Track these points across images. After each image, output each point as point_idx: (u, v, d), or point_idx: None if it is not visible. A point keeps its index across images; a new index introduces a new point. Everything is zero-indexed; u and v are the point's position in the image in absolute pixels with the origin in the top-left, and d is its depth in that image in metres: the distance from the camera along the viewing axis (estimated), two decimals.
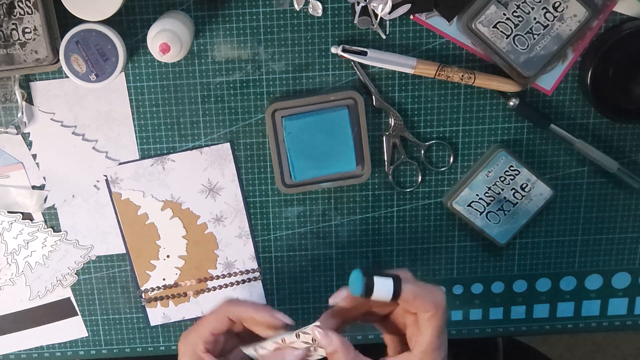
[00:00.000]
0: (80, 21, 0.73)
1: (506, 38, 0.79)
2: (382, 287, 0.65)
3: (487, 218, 0.87)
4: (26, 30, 0.73)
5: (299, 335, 0.68)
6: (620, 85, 0.82)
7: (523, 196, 0.86)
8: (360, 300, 0.68)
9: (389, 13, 0.79)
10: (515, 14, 0.79)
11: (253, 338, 0.73)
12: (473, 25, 0.79)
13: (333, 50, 0.81)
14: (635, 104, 0.83)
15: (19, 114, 0.81)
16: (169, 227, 0.87)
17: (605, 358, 1.69)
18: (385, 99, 0.83)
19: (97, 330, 0.92)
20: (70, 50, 0.74)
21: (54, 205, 0.86)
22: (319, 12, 0.80)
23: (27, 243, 0.87)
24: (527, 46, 0.80)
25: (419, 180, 0.87)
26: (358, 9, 0.79)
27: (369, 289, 0.65)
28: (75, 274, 0.89)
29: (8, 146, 0.83)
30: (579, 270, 0.92)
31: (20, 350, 0.92)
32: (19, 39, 0.74)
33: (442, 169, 0.87)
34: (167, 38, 0.72)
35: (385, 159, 0.86)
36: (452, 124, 0.85)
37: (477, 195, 0.86)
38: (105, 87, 0.80)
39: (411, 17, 0.81)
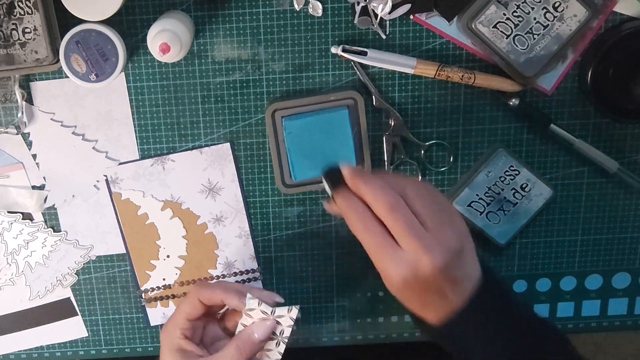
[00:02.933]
0: (80, 21, 0.73)
1: (506, 38, 0.79)
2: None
3: (487, 218, 0.87)
4: (26, 30, 0.73)
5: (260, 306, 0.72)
6: (620, 85, 0.82)
7: (523, 196, 0.86)
8: None
9: (389, 13, 0.79)
10: (515, 14, 0.79)
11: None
12: (473, 25, 0.79)
13: (333, 50, 0.81)
14: (635, 104, 0.83)
15: (19, 114, 0.81)
16: (169, 227, 0.87)
17: (605, 358, 1.69)
18: (385, 99, 0.83)
19: (97, 330, 0.91)
20: (70, 50, 0.74)
21: (54, 205, 0.86)
22: (319, 12, 0.80)
23: (27, 243, 0.87)
24: (527, 46, 0.80)
25: (419, 180, 0.87)
26: (358, 9, 0.79)
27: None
28: (75, 274, 0.89)
29: (8, 146, 0.83)
30: (579, 270, 0.92)
31: (20, 350, 0.91)
32: (19, 39, 0.74)
33: (442, 169, 0.87)
34: (167, 38, 0.72)
35: (385, 159, 0.85)
36: (452, 124, 0.85)
37: (477, 195, 0.86)
38: (105, 87, 0.80)
39: (411, 17, 0.81)
